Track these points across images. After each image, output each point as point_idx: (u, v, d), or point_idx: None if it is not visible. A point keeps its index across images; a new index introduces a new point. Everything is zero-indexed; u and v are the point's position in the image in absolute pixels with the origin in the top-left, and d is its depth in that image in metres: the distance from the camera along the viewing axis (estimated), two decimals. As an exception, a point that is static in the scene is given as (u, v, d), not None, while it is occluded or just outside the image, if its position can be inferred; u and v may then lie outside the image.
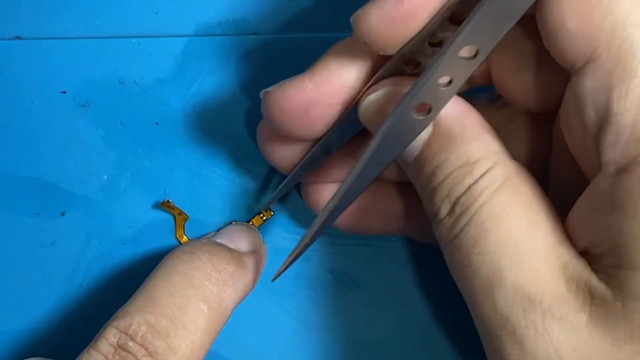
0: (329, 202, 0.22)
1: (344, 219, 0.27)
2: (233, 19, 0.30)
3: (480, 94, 0.26)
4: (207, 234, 0.29)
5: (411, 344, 0.29)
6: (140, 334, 0.23)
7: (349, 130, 0.24)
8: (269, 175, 0.30)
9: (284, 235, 0.30)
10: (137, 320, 0.23)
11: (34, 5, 0.30)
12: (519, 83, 0.23)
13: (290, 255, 0.24)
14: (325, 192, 0.27)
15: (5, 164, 0.29)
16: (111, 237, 0.30)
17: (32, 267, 0.29)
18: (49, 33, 0.30)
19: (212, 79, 0.30)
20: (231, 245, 0.27)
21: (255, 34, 0.30)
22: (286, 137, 0.25)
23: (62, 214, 0.30)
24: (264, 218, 0.30)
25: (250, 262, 0.27)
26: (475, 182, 0.21)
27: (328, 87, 0.23)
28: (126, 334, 0.23)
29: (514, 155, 0.26)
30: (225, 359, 0.29)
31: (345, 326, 0.30)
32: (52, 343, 0.29)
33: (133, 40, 0.30)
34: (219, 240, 0.27)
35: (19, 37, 0.30)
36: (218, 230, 0.29)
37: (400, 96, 0.22)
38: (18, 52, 0.29)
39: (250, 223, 0.30)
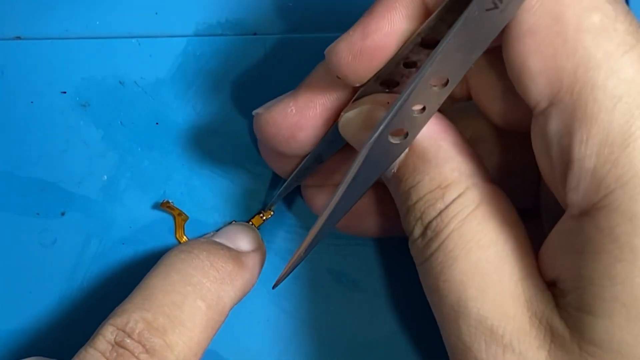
0: (319, 218, 0.23)
1: (341, 221, 0.27)
2: (233, 19, 0.30)
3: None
4: (206, 233, 0.29)
5: (411, 344, 0.29)
6: (137, 331, 0.23)
7: (338, 141, 0.25)
8: (270, 176, 0.30)
9: (284, 235, 0.30)
10: (134, 317, 0.23)
11: (34, 5, 0.30)
12: (498, 108, 0.23)
13: (288, 264, 0.24)
14: (323, 195, 0.28)
15: (5, 164, 0.29)
16: (111, 237, 0.30)
17: (32, 267, 0.29)
18: (49, 33, 0.30)
19: (212, 79, 0.30)
20: (230, 245, 0.27)
21: (255, 34, 0.30)
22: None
23: (62, 214, 0.30)
24: (264, 218, 0.30)
25: (249, 261, 0.27)
26: (447, 207, 0.21)
27: (312, 110, 0.24)
28: (123, 331, 0.23)
29: (510, 161, 0.26)
30: (225, 359, 0.29)
31: (345, 326, 0.30)
32: (52, 343, 0.29)
33: (133, 40, 0.30)
34: (218, 240, 0.27)
35: (19, 37, 0.30)
36: (217, 230, 0.29)
37: (376, 113, 0.22)
38: (18, 52, 0.29)
39: (250, 223, 0.30)
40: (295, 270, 0.29)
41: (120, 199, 0.30)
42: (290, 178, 0.27)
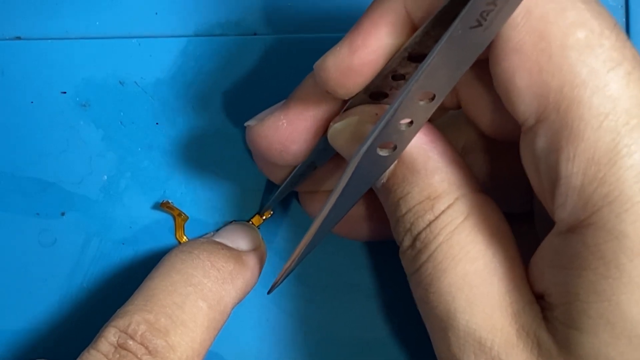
0: (311, 227, 0.23)
1: (338, 227, 0.27)
2: (233, 19, 0.30)
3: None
4: (206, 233, 0.29)
5: (411, 344, 0.29)
6: (139, 332, 0.23)
7: (330, 149, 0.25)
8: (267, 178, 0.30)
9: (284, 234, 0.30)
10: (136, 319, 0.23)
11: (34, 5, 0.30)
12: (488, 119, 0.23)
13: (282, 270, 0.25)
14: (318, 200, 0.28)
15: (5, 164, 0.29)
16: (111, 237, 0.30)
17: (32, 267, 0.29)
18: (49, 33, 0.30)
19: (212, 79, 0.30)
20: (231, 244, 0.27)
21: (255, 34, 0.30)
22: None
23: (62, 214, 0.30)
24: (264, 218, 0.30)
25: (250, 260, 0.27)
26: (436, 218, 0.21)
27: (303, 123, 0.24)
28: (126, 333, 0.23)
29: (504, 168, 0.26)
30: (225, 359, 0.29)
31: (345, 326, 0.30)
32: (52, 343, 0.29)
33: (133, 40, 0.30)
34: (218, 239, 0.27)
35: (19, 37, 0.30)
36: (217, 230, 0.29)
37: (365, 125, 0.22)
38: (18, 52, 0.29)
39: (250, 223, 0.30)
40: (295, 270, 0.29)
41: (120, 199, 0.30)
42: (283, 185, 0.27)
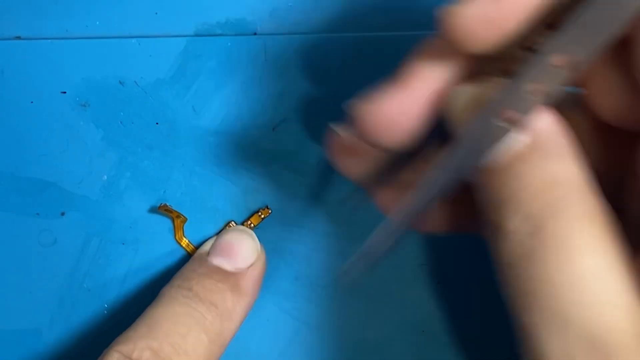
0: (401, 210, 0.21)
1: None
2: (233, 19, 0.30)
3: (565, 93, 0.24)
4: (206, 240, 0.29)
5: (411, 344, 0.29)
6: (144, 358, 0.23)
7: (434, 136, 0.23)
8: (270, 174, 0.30)
9: (283, 234, 0.30)
10: (140, 345, 0.23)
11: (34, 5, 0.30)
12: (615, 101, 0.22)
13: (357, 256, 0.22)
14: (396, 194, 0.25)
15: (5, 164, 0.29)
16: (111, 237, 0.30)
17: (32, 267, 0.29)
18: (49, 33, 0.30)
19: (212, 79, 0.30)
20: (228, 266, 0.27)
21: (255, 34, 0.30)
22: (369, 149, 0.23)
23: (62, 214, 0.30)
24: (262, 216, 0.30)
25: (249, 283, 0.27)
26: (555, 204, 0.20)
27: (422, 96, 0.22)
28: (130, 358, 0.23)
29: (597, 162, 0.24)
30: (225, 359, 0.29)
31: (345, 326, 0.30)
32: (51, 343, 0.29)
33: (133, 40, 0.30)
34: (215, 261, 0.27)
35: (19, 37, 0.30)
36: (215, 239, 0.29)
37: (489, 91, 0.21)
38: (18, 52, 0.29)
39: (250, 222, 0.30)
40: (295, 270, 0.29)
41: (120, 199, 0.30)
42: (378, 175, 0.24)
